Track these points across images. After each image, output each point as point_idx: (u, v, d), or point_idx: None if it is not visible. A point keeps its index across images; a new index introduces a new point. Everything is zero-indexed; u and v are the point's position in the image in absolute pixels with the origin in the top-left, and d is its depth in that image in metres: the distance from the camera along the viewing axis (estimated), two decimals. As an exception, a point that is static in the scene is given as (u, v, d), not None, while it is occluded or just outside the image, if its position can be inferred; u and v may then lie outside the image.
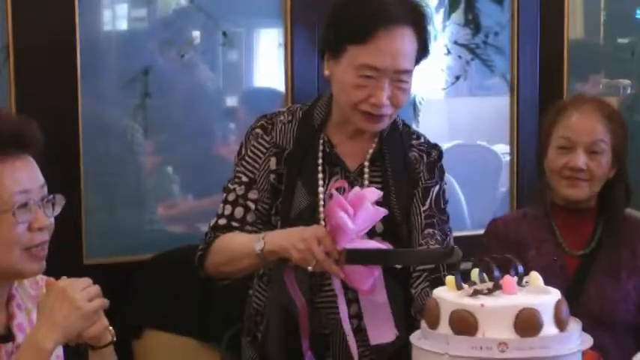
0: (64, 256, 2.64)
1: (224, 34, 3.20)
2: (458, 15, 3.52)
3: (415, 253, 2.31)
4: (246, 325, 2.54)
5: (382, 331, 2.22)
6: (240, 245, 2.33)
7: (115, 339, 1.96)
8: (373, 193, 2.21)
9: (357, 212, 2.16)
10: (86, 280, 1.90)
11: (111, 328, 1.94)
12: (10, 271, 1.95)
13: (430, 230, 2.42)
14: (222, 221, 2.42)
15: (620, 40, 3.73)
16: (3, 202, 1.89)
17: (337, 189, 2.23)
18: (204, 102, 3.28)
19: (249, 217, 2.41)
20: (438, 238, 2.41)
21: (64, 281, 1.89)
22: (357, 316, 2.35)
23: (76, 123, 2.96)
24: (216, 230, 2.41)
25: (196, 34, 3.22)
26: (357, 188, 2.22)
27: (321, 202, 2.37)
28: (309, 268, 2.21)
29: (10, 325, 1.99)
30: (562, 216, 2.67)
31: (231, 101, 3.34)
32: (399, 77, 2.32)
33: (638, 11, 3.76)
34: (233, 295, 2.65)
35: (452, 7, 3.51)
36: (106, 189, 3.09)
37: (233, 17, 3.24)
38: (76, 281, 1.89)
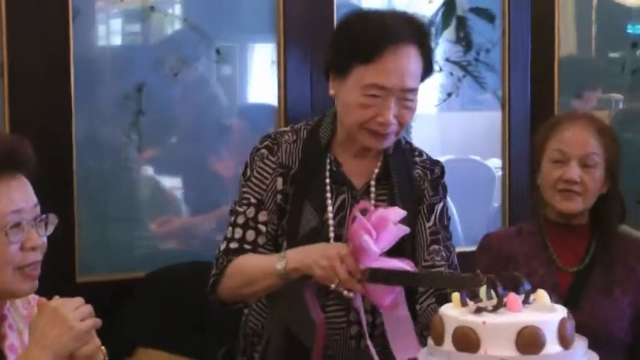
0: (56, 275, 2.63)
1: (217, 51, 3.21)
2: (450, 32, 3.55)
3: (439, 277, 2.30)
4: (242, 345, 2.53)
5: (407, 346, 2.21)
6: (259, 266, 2.32)
7: (107, 358, 1.94)
8: (396, 213, 2.21)
9: (380, 234, 2.17)
10: (78, 300, 1.88)
11: (103, 347, 1.93)
12: (3, 290, 1.93)
13: (435, 247, 2.44)
14: (234, 245, 2.40)
15: (612, 55, 3.74)
16: None
17: (360, 211, 2.23)
18: (197, 118, 3.28)
19: (260, 240, 2.40)
20: (443, 254, 2.43)
21: (56, 301, 1.88)
22: (357, 336, 2.35)
23: (70, 140, 2.96)
24: (229, 254, 2.39)
25: (190, 51, 3.22)
26: (380, 210, 2.22)
27: (331, 222, 2.38)
28: (332, 286, 2.22)
29: (1, 346, 1.97)
30: (556, 232, 2.68)
31: (226, 118, 3.34)
32: (405, 96, 2.33)
33: (629, 26, 3.77)
34: (227, 314, 2.62)
35: (444, 24, 3.54)
36: (99, 206, 3.08)
37: (226, 34, 3.26)
38: (68, 301, 1.87)
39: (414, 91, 2.35)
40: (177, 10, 3.25)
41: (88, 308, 1.87)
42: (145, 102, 3.07)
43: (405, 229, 2.23)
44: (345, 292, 2.32)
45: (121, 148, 3.10)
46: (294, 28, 3.24)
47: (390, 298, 2.20)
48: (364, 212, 2.22)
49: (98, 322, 1.88)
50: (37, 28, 2.89)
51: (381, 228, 2.17)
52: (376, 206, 2.37)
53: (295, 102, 3.24)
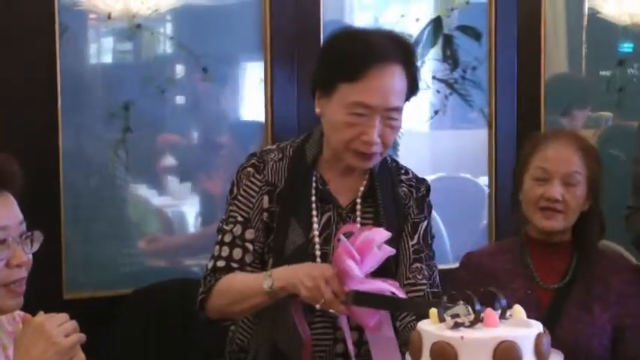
0: (43, 291, 2.63)
1: (204, 69, 3.22)
2: (436, 50, 3.57)
3: (424, 303, 2.28)
4: None
5: None
6: (247, 284, 2.33)
7: None
8: (381, 235, 2.21)
9: (365, 258, 2.17)
10: (63, 316, 1.89)
11: None
12: None
13: (418, 265, 2.44)
14: (221, 263, 2.40)
15: (603, 73, 3.76)
16: None
17: (345, 234, 2.23)
18: (185, 137, 3.30)
19: (248, 258, 2.40)
20: (425, 273, 2.44)
21: (41, 317, 1.88)
22: (343, 354, 2.36)
23: (57, 157, 2.97)
24: (216, 272, 2.40)
25: (177, 69, 3.24)
26: (365, 232, 2.21)
27: (317, 240, 2.39)
28: (317, 306, 2.23)
29: None
30: (536, 249, 2.67)
31: (213, 135, 3.36)
32: (390, 115, 2.33)
33: (620, 44, 3.79)
34: (213, 330, 2.62)
35: (431, 42, 3.56)
36: (86, 224, 3.08)
37: (214, 53, 3.27)
38: (52, 317, 1.88)
39: (399, 110, 2.35)
40: (168, 28, 3.26)
41: (73, 324, 1.88)
42: (133, 120, 3.09)
43: (390, 251, 2.23)
44: (331, 310, 2.32)
45: (109, 165, 3.11)
46: (281, 46, 3.27)
47: (375, 319, 2.20)
48: (349, 235, 2.22)
49: (83, 337, 1.88)
50: (24, 45, 2.90)
51: (366, 251, 2.17)
52: (362, 224, 2.39)
53: (282, 119, 3.26)
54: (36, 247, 1.99)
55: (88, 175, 3.09)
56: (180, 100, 3.29)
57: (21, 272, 1.95)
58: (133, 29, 3.12)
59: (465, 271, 2.69)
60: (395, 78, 2.33)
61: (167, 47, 3.23)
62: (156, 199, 3.26)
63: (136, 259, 3.21)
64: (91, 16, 3.10)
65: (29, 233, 1.97)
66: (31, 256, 1.97)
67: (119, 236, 3.16)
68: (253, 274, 2.35)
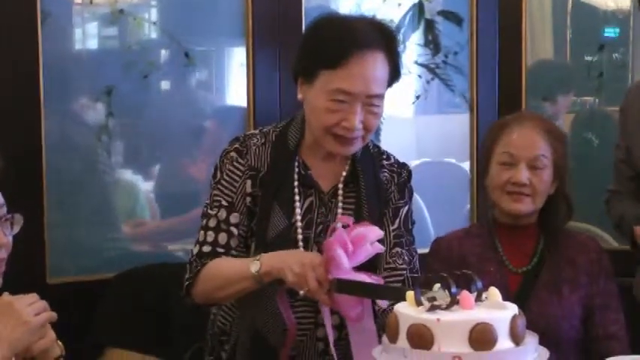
0: (27, 276, 2.67)
1: (186, 54, 3.23)
2: (418, 35, 3.59)
3: (403, 289, 2.23)
4: (210, 345, 2.54)
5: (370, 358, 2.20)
6: (234, 269, 2.33)
7: (64, 353, 1.96)
8: (375, 232, 2.23)
9: (356, 250, 2.18)
10: (33, 296, 1.90)
11: (59, 342, 1.95)
12: None
13: (398, 249, 2.46)
14: (207, 248, 2.41)
15: (587, 58, 3.77)
16: None
17: (342, 225, 2.24)
18: (168, 121, 3.30)
19: (233, 243, 2.41)
20: (406, 258, 2.45)
21: (11, 297, 1.90)
22: (325, 338, 2.37)
23: (39, 142, 2.97)
24: (202, 258, 2.40)
25: (160, 54, 3.25)
26: (361, 228, 2.22)
27: (299, 224, 2.40)
28: (301, 293, 2.23)
29: None
30: (504, 233, 2.68)
31: (195, 120, 3.38)
32: (371, 101, 2.34)
33: (606, 29, 3.80)
34: (194, 314, 2.65)
35: (412, 27, 3.58)
36: (69, 208, 3.09)
37: (196, 39, 3.28)
38: (22, 297, 1.89)
39: (380, 97, 2.36)
40: (151, 14, 3.27)
41: (42, 303, 1.89)
42: (115, 105, 3.10)
43: (380, 249, 2.25)
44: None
45: (92, 150, 3.12)
46: (263, 32, 3.28)
47: (357, 310, 2.21)
48: (344, 227, 2.22)
49: (53, 315, 1.90)
50: (5, 30, 2.91)
51: (358, 245, 2.18)
52: (344, 209, 2.41)
53: (264, 104, 3.27)
54: (16, 229, 1.99)
55: (72, 160, 3.09)
56: (163, 85, 3.30)
57: (0, 253, 1.96)
58: (116, 14, 3.12)
59: (437, 257, 2.70)
60: (376, 65, 2.34)
61: (150, 32, 3.25)
62: (139, 184, 3.27)
63: (120, 244, 3.22)
64: (75, 0, 3.10)
65: (9, 216, 1.98)
66: (10, 238, 1.98)
67: (103, 221, 3.17)
68: (240, 259, 2.36)
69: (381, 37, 2.36)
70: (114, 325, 2.91)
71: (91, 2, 3.09)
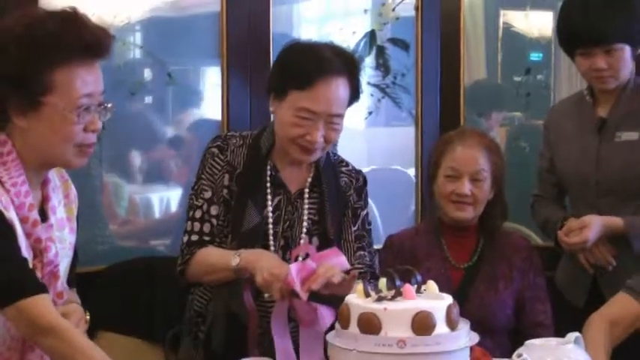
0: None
1: (169, 74, 3.25)
2: (371, 59, 3.60)
3: None
4: (188, 326, 2.57)
5: (313, 356, 2.23)
6: (218, 260, 2.39)
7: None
8: (342, 265, 2.23)
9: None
10: None
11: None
12: (60, 161, 1.98)
13: (361, 252, 2.51)
14: (195, 237, 2.46)
15: (516, 79, 3.82)
16: (71, 102, 1.91)
17: (299, 256, 2.32)
18: (151, 132, 3.31)
19: (215, 231, 2.46)
20: (367, 260, 2.51)
21: None
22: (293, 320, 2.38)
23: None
24: (192, 246, 2.46)
25: (145, 74, 3.26)
26: (325, 263, 2.20)
27: (270, 220, 2.44)
28: (266, 296, 2.31)
29: (44, 207, 1.99)
30: (449, 233, 2.72)
31: (175, 132, 3.37)
32: (332, 120, 2.40)
33: (531, 54, 3.85)
34: (174, 298, 2.68)
35: (366, 52, 3.58)
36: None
37: (177, 59, 3.29)
38: None
39: (341, 116, 2.42)
40: (137, 38, 3.26)
41: None
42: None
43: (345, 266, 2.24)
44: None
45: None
46: (235, 54, 3.29)
47: (311, 316, 2.19)
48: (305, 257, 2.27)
49: None
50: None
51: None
52: (310, 210, 2.46)
53: (236, 118, 3.29)
54: (108, 116, 1.99)
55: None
56: (147, 100, 3.32)
57: (93, 137, 1.97)
58: (108, 38, 3.15)
59: (389, 253, 2.75)
60: (339, 88, 2.39)
61: (136, 54, 3.26)
62: (126, 188, 3.28)
63: (109, 240, 3.24)
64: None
65: (107, 104, 1.98)
66: (101, 124, 1.98)
67: (94, 220, 3.18)
68: (225, 251, 2.39)
69: (345, 64, 2.42)
70: (105, 311, 2.90)
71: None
